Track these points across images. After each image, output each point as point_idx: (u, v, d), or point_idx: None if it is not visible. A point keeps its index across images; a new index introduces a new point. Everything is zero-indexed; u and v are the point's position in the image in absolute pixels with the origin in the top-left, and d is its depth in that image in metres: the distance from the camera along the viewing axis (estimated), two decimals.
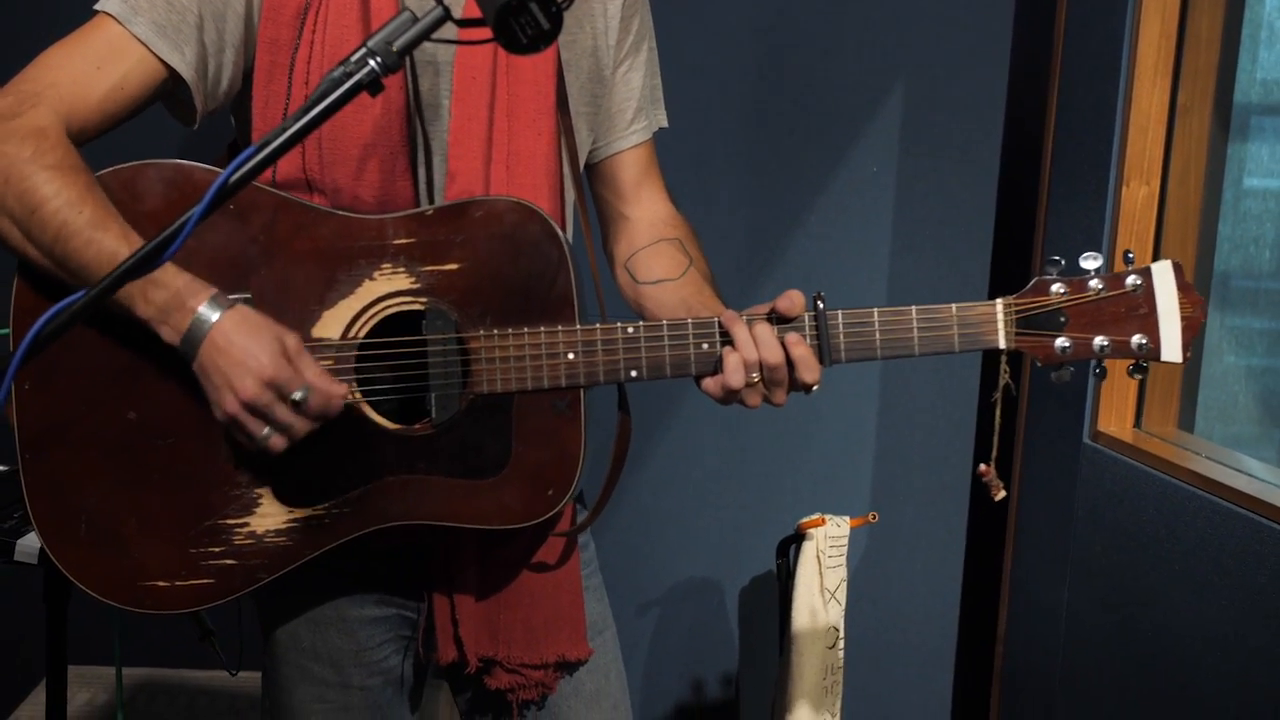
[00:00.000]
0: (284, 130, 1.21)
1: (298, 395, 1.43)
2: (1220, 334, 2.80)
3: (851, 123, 2.85)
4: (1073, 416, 2.72)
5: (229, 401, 1.43)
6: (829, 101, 2.83)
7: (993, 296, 2.68)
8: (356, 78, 1.23)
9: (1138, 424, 2.69)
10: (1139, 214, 2.62)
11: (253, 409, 1.43)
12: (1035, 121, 2.87)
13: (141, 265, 1.21)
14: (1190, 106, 2.60)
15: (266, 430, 1.45)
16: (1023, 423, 2.91)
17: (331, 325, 1.53)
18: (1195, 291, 1.49)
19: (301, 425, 1.45)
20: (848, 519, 2.69)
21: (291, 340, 1.45)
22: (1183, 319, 1.48)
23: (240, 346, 1.42)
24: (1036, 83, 2.86)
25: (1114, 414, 2.68)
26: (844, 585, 2.67)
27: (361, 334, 1.53)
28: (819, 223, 2.87)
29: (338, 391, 1.46)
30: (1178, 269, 1.49)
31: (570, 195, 1.69)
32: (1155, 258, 2.66)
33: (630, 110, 1.75)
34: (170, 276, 1.42)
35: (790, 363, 1.50)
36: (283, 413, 1.44)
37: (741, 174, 2.85)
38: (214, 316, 1.43)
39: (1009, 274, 2.91)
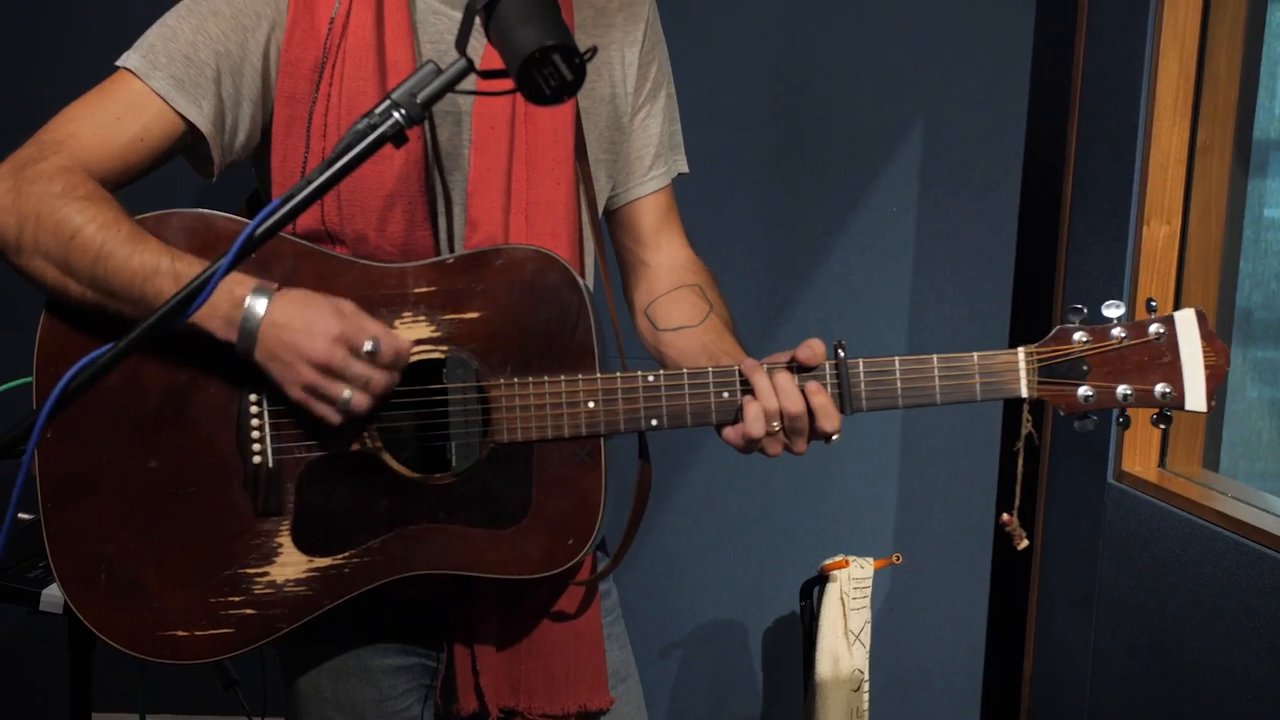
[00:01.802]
0: (309, 182, 1.22)
1: (369, 346, 1.43)
2: (1243, 369, 2.79)
3: (871, 162, 2.85)
4: (1097, 456, 2.71)
5: (304, 371, 1.43)
6: (848, 141, 2.84)
7: (1014, 336, 2.66)
8: (381, 129, 1.25)
9: (1162, 463, 2.67)
10: (1160, 253, 2.61)
11: (328, 369, 1.43)
12: (1055, 161, 2.87)
13: (168, 318, 1.22)
14: (1210, 145, 2.60)
15: (347, 391, 1.44)
16: (1047, 462, 2.89)
17: None
18: (1219, 339, 1.48)
19: (379, 377, 1.45)
20: (871, 560, 2.67)
21: (346, 304, 1.46)
22: (1207, 367, 1.47)
23: (301, 317, 1.43)
24: (1056, 122, 2.86)
25: (1138, 453, 2.66)
26: (868, 627, 2.65)
27: None
28: (839, 263, 2.87)
29: (405, 338, 1.46)
30: (1201, 317, 1.48)
31: (590, 243, 1.69)
32: (1177, 296, 2.66)
33: (649, 156, 1.76)
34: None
35: (811, 412, 1.50)
36: (359, 368, 1.43)
37: (761, 214, 2.86)
38: (264, 299, 1.43)
39: (1030, 313, 2.90)
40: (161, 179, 1.60)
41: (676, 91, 1.82)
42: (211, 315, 1.43)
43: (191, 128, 1.54)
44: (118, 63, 1.55)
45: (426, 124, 1.59)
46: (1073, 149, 2.80)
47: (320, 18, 1.57)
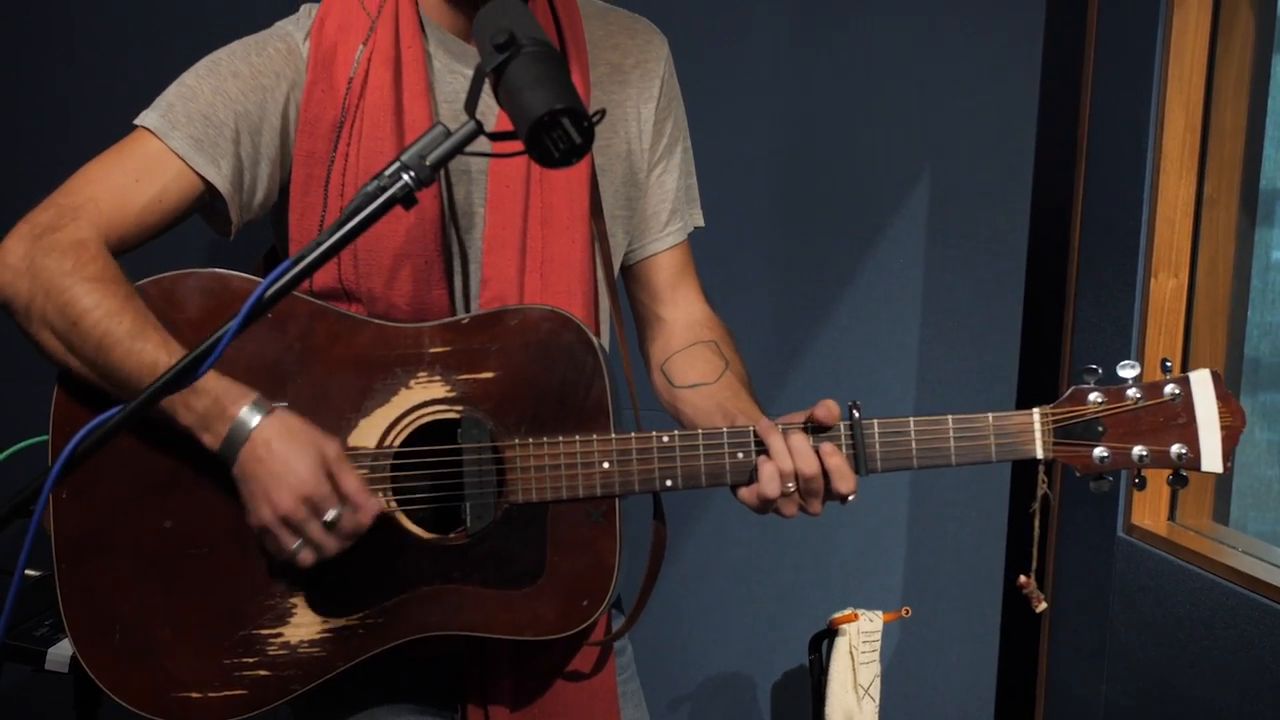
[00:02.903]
0: (319, 244, 1.22)
1: (330, 516, 1.43)
2: (1252, 418, 2.78)
3: (879, 214, 2.86)
4: (1107, 509, 2.70)
5: (265, 512, 1.44)
6: (856, 193, 2.84)
7: (1023, 388, 2.65)
8: (390, 191, 1.25)
9: (1172, 516, 2.66)
10: (1168, 305, 2.61)
11: (286, 522, 1.44)
12: (1062, 213, 2.88)
13: (179, 378, 1.22)
14: (1216, 198, 2.61)
15: (297, 544, 1.45)
16: (1057, 514, 2.89)
17: (367, 433, 1.53)
18: (1235, 400, 1.48)
19: (332, 544, 1.45)
20: (880, 614, 2.66)
21: (332, 449, 1.45)
22: (1223, 428, 1.48)
23: (279, 456, 1.43)
24: (1063, 175, 2.87)
25: (1148, 507, 2.65)
26: (878, 681, 2.64)
27: (397, 442, 1.53)
28: (847, 314, 2.87)
29: (371, 510, 1.46)
30: (1216, 378, 1.48)
31: (605, 300, 1.70)
32: (1185, 348, 2.65)
33: (665, 212, 1.76)
34: (210, 383, 1.43)
35: (826, 473, 1.50)
36: (315, 530, 1.44)
37: (770, 267, 2.86)
38: (253, 422, 1.43)
39: (1039, 365, 2.90)
40: (179, 235, 1.61)
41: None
42: (200, 425, 1.45)
43: (210, 187, 1.55)
44: (136, 121, 1.55)
45: (442, 182, 1.59)
46: (1080, 202, 2.81)
47: (339, 77, 1.58)
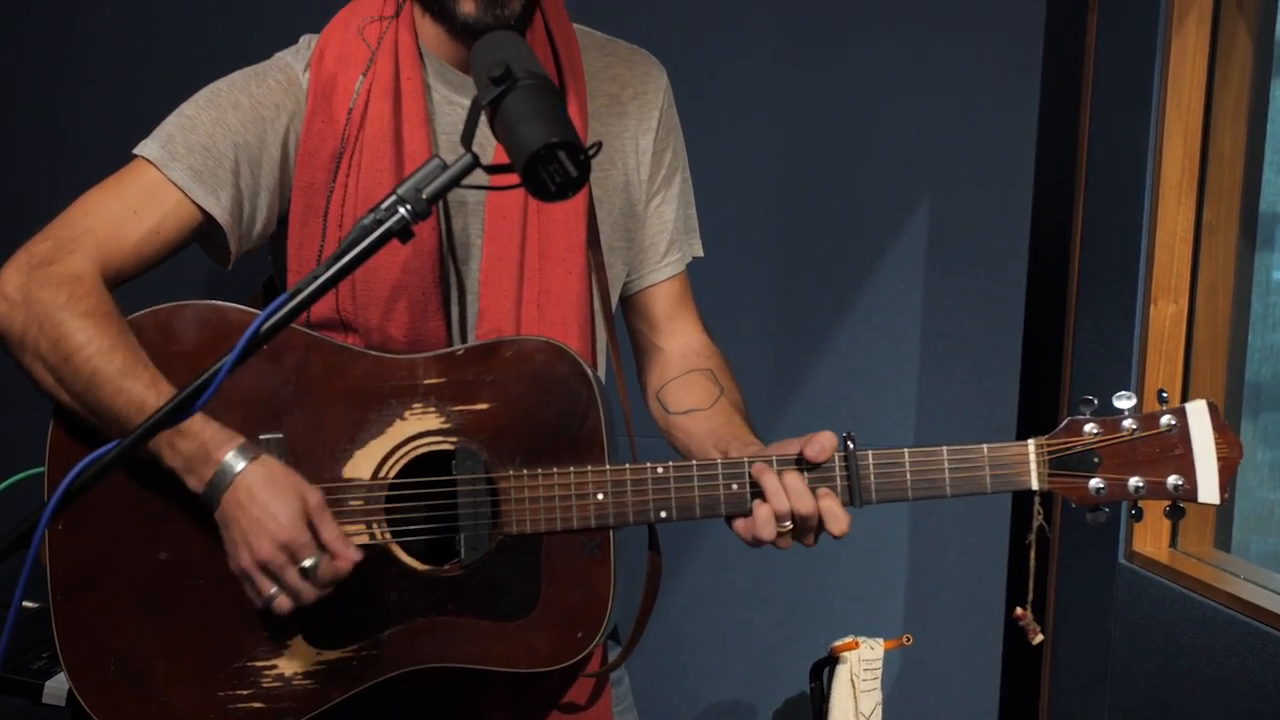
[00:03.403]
0: (315, 278, 1.22)
1: (308, 564, 1.44)
2: (1253, 442, 2.78)
3: (877, 241, 2.86)
4: (1108, 535, 2.69)
5: (244, 558, 1.45)
6: (854, 221, 2.85)
7: (1023, 415, 2.64)
8: (387, 225, 1.25)
9: (1173, 543, 2.66)
10: (1168, 332, 2.61)
11: (264, 568, 1.44)
12: (1062, 240, 2.88)
13: (173, 415, 1.22)
14: (1216, 225, 2.61)
15: (275, 590, 1.45)
16: (1058, 541, 2.88)
17: (362, 465, 1.53)
18: (1232, 431, 1.47)
19: (308, 592, 1.45)
20: (881, 641, 2.65)
21: (314, 497, 1.45)
22: (1219, 459, 1.47)
23: (260, 504, 1.43)
24: (1062, 201, 2.87)
25: (1149, 533, 2.65)
26: (879, 709, 2.63)
27: (392, 474, 1.53)
28: (846, 340, 2.87)
29: (349, 559, 1.45)
30: (1213, 409, 1.48)
31: (602, 331, 1.70)
32: (1185, 374, 2.65)
33: (663, 243, 1.76)
34: (198, 427, 1.43)
35: (818, 513, 1.50)
36: (291, 577, 1.44)
37: (769, 293, 2.86)
38: (237, 468, 1.44)
39: (1038, 392, 2.90)
40: (176, 264, 1.62)
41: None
42: (185, 468, 1.45)
43: (209, 218, 1.55)
44: (135, 151, 1.56)
45: (440, 214, 1.60)
46: (1079, 228, 2.81)
47: (339, 108, 1.59)
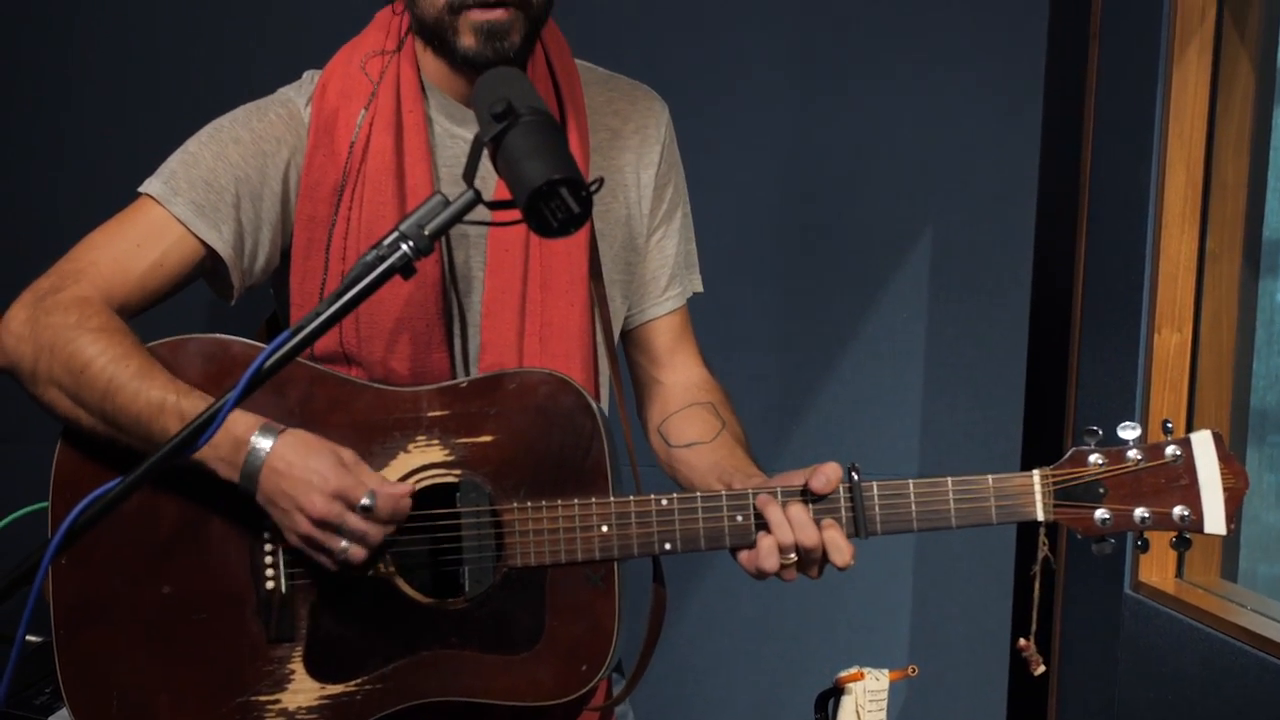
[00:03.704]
0: (317, 315, 1.23)
1: (366, 501, 1.43)
2: (1259, 468, 2.77)
3: (880, 269, 2.86)
4: (1114, 565, 2.68)
5: (300, 522, 1.43)
6: (857, 249, 2.85)
7: (1028, 443, 2.62)
8: (389, 261, 1.25)
9: (1179, 573, 2.64)
10: (1172, 361, 2.60)
11: (324, 524, 1.43)
12: (1065, 268, 2.88)
13: (178, 450, 1.22)
14: (1219, 253, 2.60)
15: (344, 543, 1.44)
16: (1063, 570, 2.87)
17: None
18: (1237, 461, 1.47)
19: (375, 531, 1.45)
20: (887, 672, 2.63)
21: (347, 453, 1.46)
22: (1225, 490, 1.47)
23: (300, 466, 1.43)
24: (1064, 230, 2.87)
25: (1155, 563, 2.63)
26: None
27: None
28: (850, 369, 2.87)
29: (402, 491, 1.46)
30: (1218, 439, 1.47)
31: (605, 363, 1.70)
32: (1190, 402, 2.64)
33: (664, 277, 1.77)
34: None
35: (822, 545, 1.49)
36: (354, 521, 1.43)
37: (772, 322, 2.86)
38: (268, 443, 1.44)
39: (1043, 420, 2.89)
40: (181, 298, 1.62)
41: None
42: (214, 456, 1.44)
43: (211, 252, 1.56)
44: (140, 189, 1.57)
45: (443, 247, 1.60)
46: (1082, 257, 2.81)
47: (340, 142, 1.60)
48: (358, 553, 1.45)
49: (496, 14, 1.49)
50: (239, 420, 1.44)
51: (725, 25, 2.74)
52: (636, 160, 1.72)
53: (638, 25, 2.69)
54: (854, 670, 2.66)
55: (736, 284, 2.83)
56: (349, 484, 1.43)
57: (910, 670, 2.68)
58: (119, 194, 1.60)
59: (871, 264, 2.86)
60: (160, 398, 1.44)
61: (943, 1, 2.72)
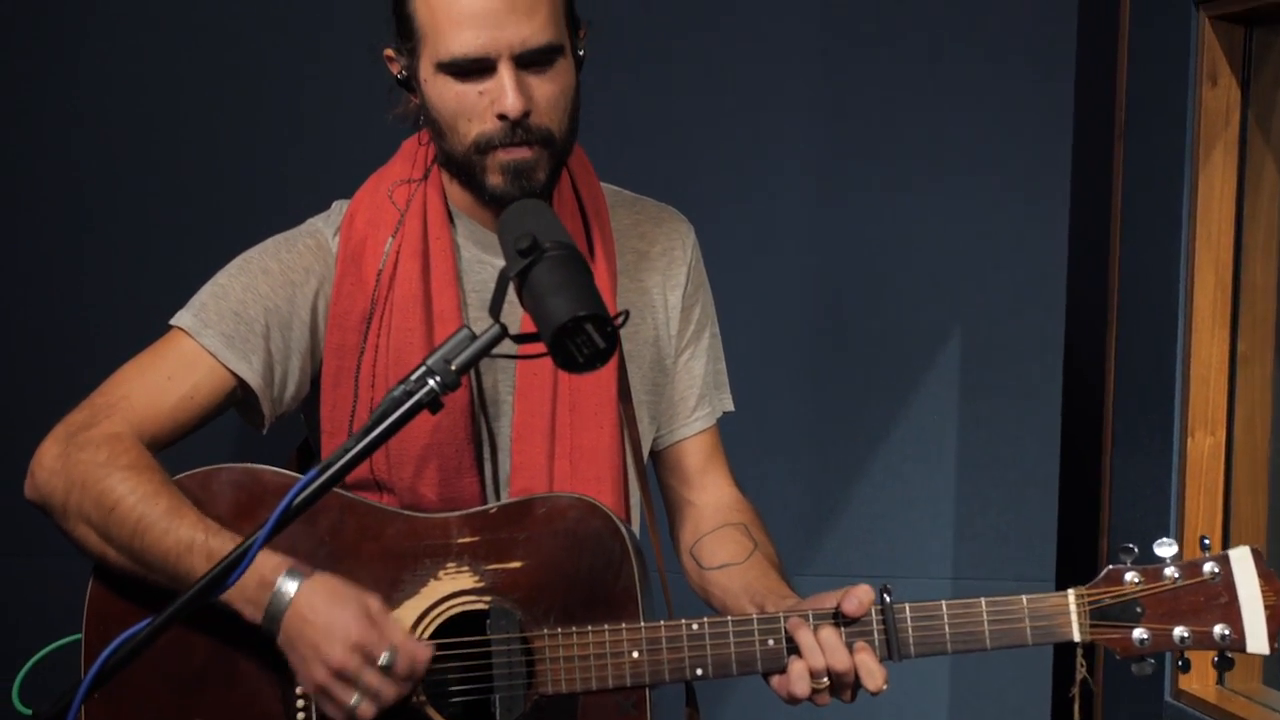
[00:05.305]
0: (346, 451, 1.23)
1: (384, 660, 1.41)
2: None
3: (910, 372, 2.86)
4: (1154, 673, 2.63)
5: (318, 670, 1.42)
6: (886, 352, 2.85)
7: (1061, 546, 2.59)
8: (417, 397, 1.25)
9: (1221, 681, 2.60)
10: (1206, 464, 2.58)
11: (341, 674, 1.42)
12: (1096, 370, 2.87)
13: (205, 592, 1.22)
14: (1251, 355, 2.59)
15: (355, 698, 1.43)
16: (1101, 677, 2.82)
17: None
18: (1276, 578, 1.45)
19: (389, 690, 1.43)
20: None
21: (374, 603, 1.45)
22: (1266, 607, 1.44)
23: (324, 613, 1.42)
24: (1095, 333, 2.87)
25: (1195, 671, 2.59)
26: None
27: (426, 635, 1.52)
28: (881, 472, 2.86)
29: (423, 653, 1.44)
30: (1257, 556, 1.45)
31: (635, 485, 1.70)
32: (1226, 506, 2.61)
33: (693, 398, 1.77)
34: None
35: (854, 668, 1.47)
36: (371, 677, 1.42)
37: (803, 426, 2.85)
38: (294, 587, 1.43)
39: (1077, 523, 2.86)
40: (212, 425, 1.63)
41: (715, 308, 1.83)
42: (240, 598, 1.44)
43: (242, 383, 1.57)
44: (171, 322, 1.59)
45: (472, 372, 1.61)
46: (1113, 359, 2.80)
47: (368, 270, 1.61)
48: (367, 710, 1.43)
49: (522, 153, 1.51)
50: (266, 560, 1.44)
51: (750, 134, 2.77)
52: (663, 281, 1.73)
53: (663, 138, 2.72)
54: None
55: (766, 388, 2.83)
56: (372, 638, 1.42)
57: None
58: (144, 333, 1.61)
59: (901, 367, 2.85)
60: (189, 536, 1.44)
61: (969, 102, 2.75)
